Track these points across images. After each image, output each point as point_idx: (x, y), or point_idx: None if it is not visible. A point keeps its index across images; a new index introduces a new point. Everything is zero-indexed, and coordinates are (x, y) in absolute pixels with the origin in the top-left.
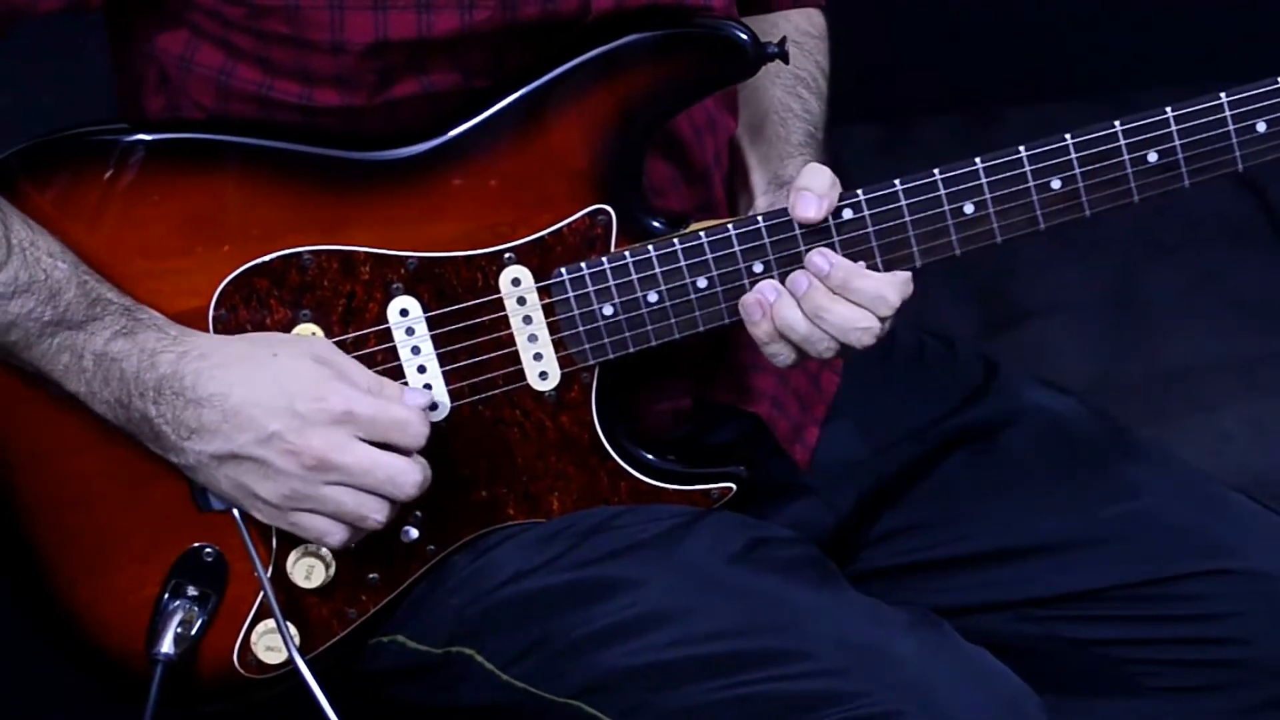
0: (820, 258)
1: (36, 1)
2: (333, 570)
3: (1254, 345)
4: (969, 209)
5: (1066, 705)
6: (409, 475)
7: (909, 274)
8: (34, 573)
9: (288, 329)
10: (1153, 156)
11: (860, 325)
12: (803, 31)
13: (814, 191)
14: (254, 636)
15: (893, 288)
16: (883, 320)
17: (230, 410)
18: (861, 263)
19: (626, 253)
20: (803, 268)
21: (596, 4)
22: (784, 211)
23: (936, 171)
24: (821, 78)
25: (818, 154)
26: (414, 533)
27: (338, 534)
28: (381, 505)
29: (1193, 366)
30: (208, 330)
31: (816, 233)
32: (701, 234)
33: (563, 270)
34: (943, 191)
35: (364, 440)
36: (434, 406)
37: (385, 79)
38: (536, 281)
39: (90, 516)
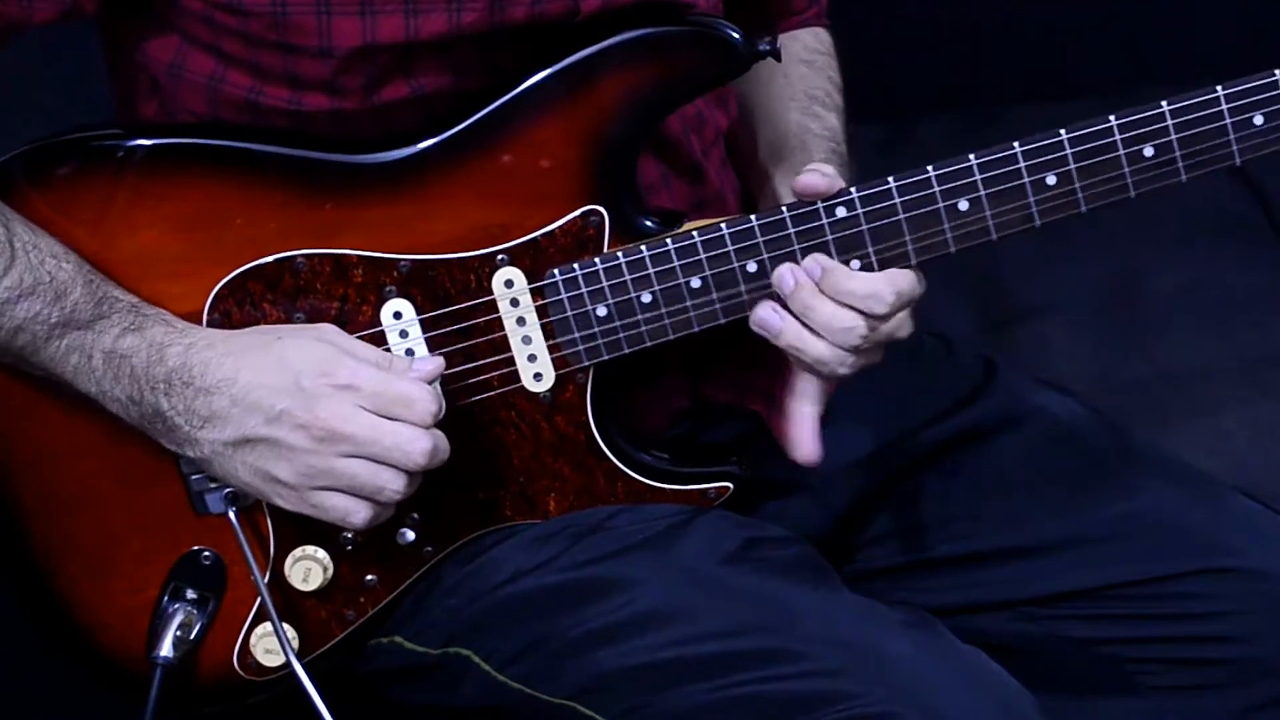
0: (813, 263)
1: (32, 13)
2: (330, 573)
3: (1253, 345)
4: (963, 206)
5: (1065, 705)
6: (417, 442)
7: (914, 272)
8: (34, 574)
9: None
10: (1149, 151)
11: (843, 325)
12: (811, 50)
13: (820, 170)
14: (253, 639)
15: (887, 283)
16: (877, 318)
17: (239, 394)
18: (855, 262)
19: (619, 253)
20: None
21: (585, 5)
22: (777, 210)
23: (930, 168)
24: (836, 93)
25: (841, 169)
26: (411, 534)
27: (361, 511)
28: (396, 476)
29: (1192, 366)
30: None
31: (810, 231)
32: (695, 233)
33: (555, 271)
34: (937, 189)
35: (371, 412)
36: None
37: (374, 82)
38: (529, 283)
39: (90, 518)
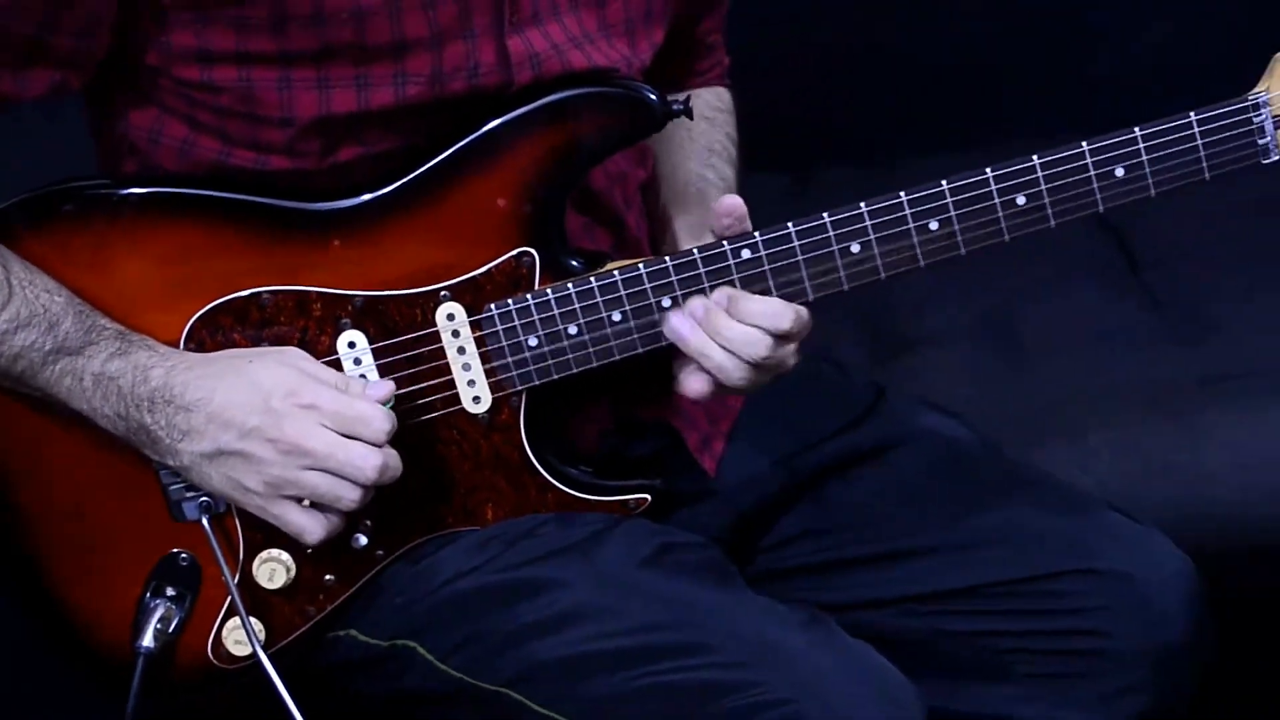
0: (721, 295)
1: (23, 90)
2: (293, 573)
3: (1115, 372)
4: (855, 248)
5: (946, 689)
6: (369, 459)
7: (806, 310)
8: (31, 576)
9: None
10: (1021, 199)
11: (749, 340)
12: (712, 107)
13: (729, 201)
14: (225, 631)
15: (786, 307)
16: (779, 337)
17: (214, 412)
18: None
19: (549, 290)
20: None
21: (519, 77)
22: (689, 252)
23: (825, 215)
24: (732, 146)
25: None
26: (364, 540)
27: (315, 531)
28: (352, 488)
29: (1061, 391)
30: None
31: (719, 271)
32: (616, 273)
33: (492, 306)
34: (831, 233)
35: (331, 430)
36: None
37: (329, 146)
38: (469, 316)
39: (82, 525)
